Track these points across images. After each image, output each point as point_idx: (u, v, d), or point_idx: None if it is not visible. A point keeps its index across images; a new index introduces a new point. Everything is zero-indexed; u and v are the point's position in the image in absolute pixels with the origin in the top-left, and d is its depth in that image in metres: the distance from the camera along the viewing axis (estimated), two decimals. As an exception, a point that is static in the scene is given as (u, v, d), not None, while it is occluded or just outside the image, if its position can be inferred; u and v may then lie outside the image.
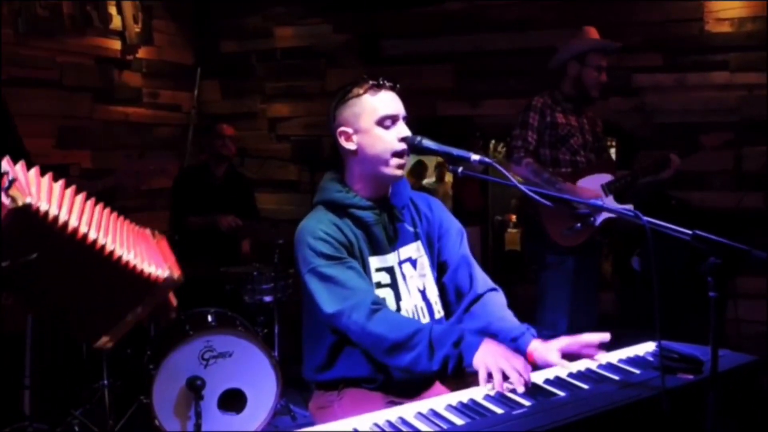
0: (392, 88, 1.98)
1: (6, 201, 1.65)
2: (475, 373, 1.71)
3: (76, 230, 1.82)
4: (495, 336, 1.96)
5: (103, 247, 1.90)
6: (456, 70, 5.03)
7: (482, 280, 2.12)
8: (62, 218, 1.79)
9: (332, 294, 1.87)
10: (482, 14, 4.89)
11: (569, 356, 1.85)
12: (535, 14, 4.72)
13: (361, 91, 1.95)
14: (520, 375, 1.63)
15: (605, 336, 1.83)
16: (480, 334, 2.05)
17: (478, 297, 2.07)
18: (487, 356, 1.70)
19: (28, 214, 1.70)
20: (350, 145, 1.97)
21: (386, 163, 1.95)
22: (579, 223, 3.36)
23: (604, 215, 3.40)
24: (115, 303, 2.06)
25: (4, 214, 1.67)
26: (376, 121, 1.93)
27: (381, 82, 1.96)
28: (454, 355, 1.75)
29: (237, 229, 4.22)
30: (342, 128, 1.97)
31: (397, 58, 5.12)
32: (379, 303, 1.89)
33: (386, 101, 1.95)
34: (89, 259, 1.89)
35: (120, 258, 1.94)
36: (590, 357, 1.82)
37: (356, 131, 1.95)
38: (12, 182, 1.64)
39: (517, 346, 1.92)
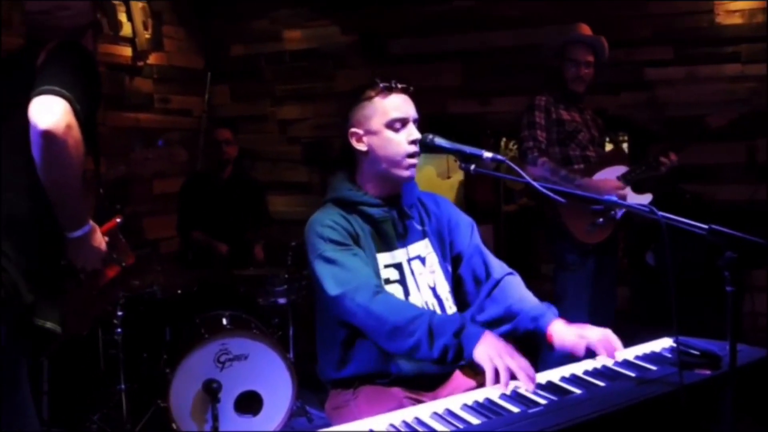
0: (404, 91, 2.01)
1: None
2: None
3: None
4: (516, 316, 1.98)
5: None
6: (464, 68, 5.02)
7: (498, 266, 2.14)
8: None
9: (336, 277, 1.88)
10: (489, 11, 4.87)
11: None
12: (542, 10, 4.69)
13: (372, 94, 1.99)
14: (528, 376, 1.62)
15: (619, 347, 1.82)
16: (486, 325, 2.06)
17: (497, 283, 2.09)
18: (491, 350, 1.67)
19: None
20: (361, 146, 2.01)
21: (397, 165, 1.98)
22: (601, 218, 3.33)
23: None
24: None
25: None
26: (385, 123, 1.97)
27: (393, 85, 2.00)
28: (453, 345, 1.73)
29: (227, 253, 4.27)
30: (353, 129, 2.01)
31: (404, 57, 5.11)
32: (381, 287, 1.90)
33: (397, 104, 1.98)
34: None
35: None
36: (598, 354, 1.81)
37: (366, 132, 1.99)
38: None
39: (537, 326, 1.93)
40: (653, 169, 3.47)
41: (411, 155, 1.97)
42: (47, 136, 1.88)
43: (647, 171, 3.47)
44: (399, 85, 2.00)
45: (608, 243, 3.47)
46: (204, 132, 5.20)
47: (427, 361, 1.79)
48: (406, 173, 1.99)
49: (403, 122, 1.98)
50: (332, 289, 1.87)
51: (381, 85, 1.99)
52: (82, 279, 2.23)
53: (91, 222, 2.14)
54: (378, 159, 1.99)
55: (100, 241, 2.18)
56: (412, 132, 1.98)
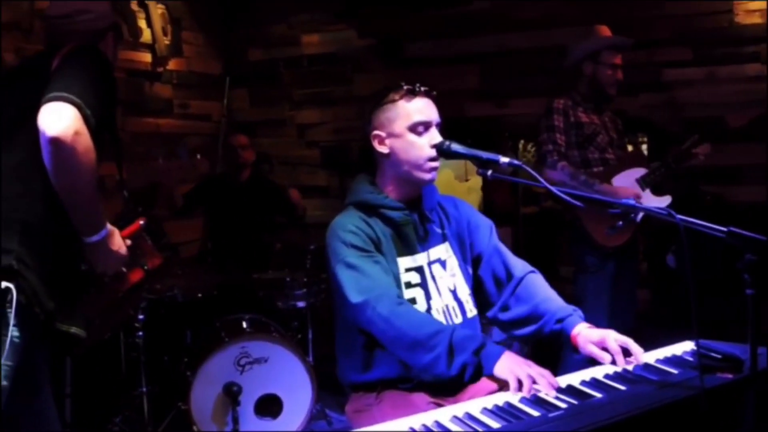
0: (427, 94, 2.02)
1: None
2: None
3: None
4: (542, 317, 1.98)
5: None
6: (482, 71, 5.02)
7: (520, 264, 2.14)
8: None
9: (358, 284, 1.89)
10: (506, 13, 4.87)
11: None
12: (559, 12, 4.68)
13: (396, 97, 2.00)
14: (549, 383, 1.63)
15: (640, 354, 1.81)
16: (512, 325, 2.05)
17: (520, 280, 2.08)
18: (513, 365, 1.69)
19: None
20: (383, 149, 2.02)
21: (419, 168, 1.99)
22: (621, 220, 3.32)
23: None
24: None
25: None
26: (408, 126, 1.98)
27: (417, 89, 2.01)
28: (473, 362, 1.74)
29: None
30: (376, 131, 2.03)
31: (422, 61, 5.11)
32: (402, 298, 1.91)
33: (420, 108, 1.99)
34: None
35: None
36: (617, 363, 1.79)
37: (389, 135, 2.01)
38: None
39: (562, 327, 1.93)
40: (672, 170, 3.46)
41: (433, 159, 1.98)
42: (55, 142, 1.88)
43: (666, 172, 3.46)
44: (422, 89, 2.01)
45: (628, 246, 3.46)
46: (223, 137, 5.24)
47: (443, 378, 1.78)
48: (427, 176, 2.00)
49: (426, 126, 1.99)
50: (354, 296, 1.88)
51: (405, 88, 2.00)
52: (106, 283, 2.24)
53: (109, 226, 2.13)
54: (400, 162, 2.00)
55: (120, 244, 2.17)
56: (435, 136, 1.99)
